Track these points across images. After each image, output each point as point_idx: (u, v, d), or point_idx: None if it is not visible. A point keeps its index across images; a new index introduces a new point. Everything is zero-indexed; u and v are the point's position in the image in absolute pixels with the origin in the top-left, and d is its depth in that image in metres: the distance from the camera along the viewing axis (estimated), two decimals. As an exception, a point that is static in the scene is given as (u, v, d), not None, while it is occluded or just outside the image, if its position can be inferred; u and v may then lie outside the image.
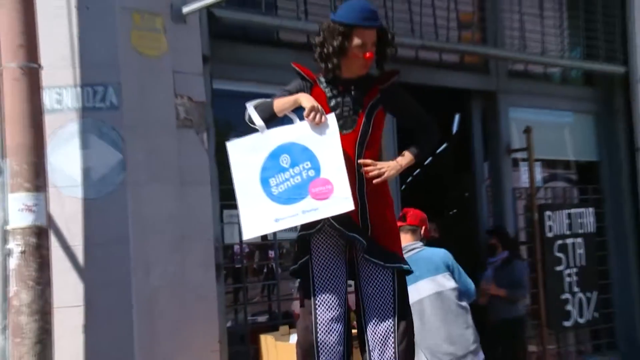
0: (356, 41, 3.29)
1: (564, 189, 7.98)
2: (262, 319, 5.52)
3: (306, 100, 3.24)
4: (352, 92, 3.41)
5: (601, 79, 8.06)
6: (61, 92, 4.53)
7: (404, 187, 7.38)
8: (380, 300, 3.42)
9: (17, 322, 3.97)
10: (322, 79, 3.46)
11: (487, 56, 7.09)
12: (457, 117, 8.64)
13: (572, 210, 7.39)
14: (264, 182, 3.23)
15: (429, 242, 6.97)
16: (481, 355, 4.86)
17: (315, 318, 3.39)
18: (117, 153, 4.57)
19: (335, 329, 3.39)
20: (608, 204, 7.96)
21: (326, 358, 3.37)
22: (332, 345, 3.37)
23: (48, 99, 4.38)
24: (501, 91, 7.14)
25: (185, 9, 4.79)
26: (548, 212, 7.15)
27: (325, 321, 3.39)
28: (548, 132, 7.45)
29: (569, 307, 7.15)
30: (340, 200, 3.14)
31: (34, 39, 4.12)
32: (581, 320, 7.30)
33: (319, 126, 3.22)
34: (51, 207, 4.23)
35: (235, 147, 3.32)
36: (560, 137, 7.73)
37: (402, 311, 3.44)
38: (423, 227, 5.15)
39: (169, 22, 4.80)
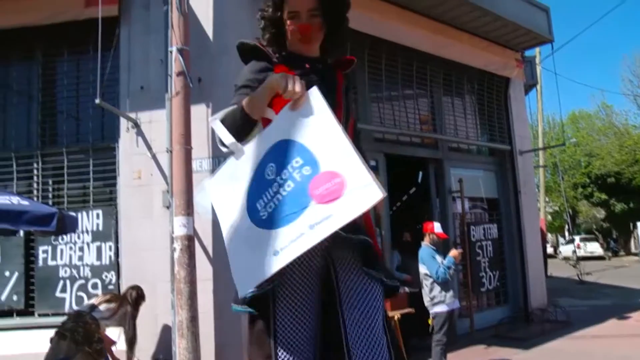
0: (288, 8, 1.52)
1: (480, 213, 7.60)
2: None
3: (279, 75, 1.32)
4: (321, 72, 1.54)
5: (498, 152, 7.73)
6: (201, 161, 4.49)
7: (391, 212, 7.05)
8: (369, 322, 1.46)
9: (178, 287, 3.93)
10: (282, 58, 1.56)
11: (437, 139, 6.83)
12: (420, 173, 8.31)
13: (485, 225, 7.02)
14: (252, 211, 1.34)
15: (405, 243, 6.79)
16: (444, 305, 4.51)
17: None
18: (232, 194, 4.44)
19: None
20: (503, 222, 7.56)
21: None
22: None
23: (195, 165, 4.33)
24: (445, 158, 6.87)
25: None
26: (472, 227, 6.82)
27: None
28: (471, 181, 7.12)
29: (484, 280, 6.77)
30: (360, 191, 1.17)
31: (189, 132, 4.11)
32: (490, 287, 6.89)
33: (300, 109, 1.29)
34: (195, 224, 4.16)
35: (212, 186, 1.48)
36: (477, 185, 7.39)
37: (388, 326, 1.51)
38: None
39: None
